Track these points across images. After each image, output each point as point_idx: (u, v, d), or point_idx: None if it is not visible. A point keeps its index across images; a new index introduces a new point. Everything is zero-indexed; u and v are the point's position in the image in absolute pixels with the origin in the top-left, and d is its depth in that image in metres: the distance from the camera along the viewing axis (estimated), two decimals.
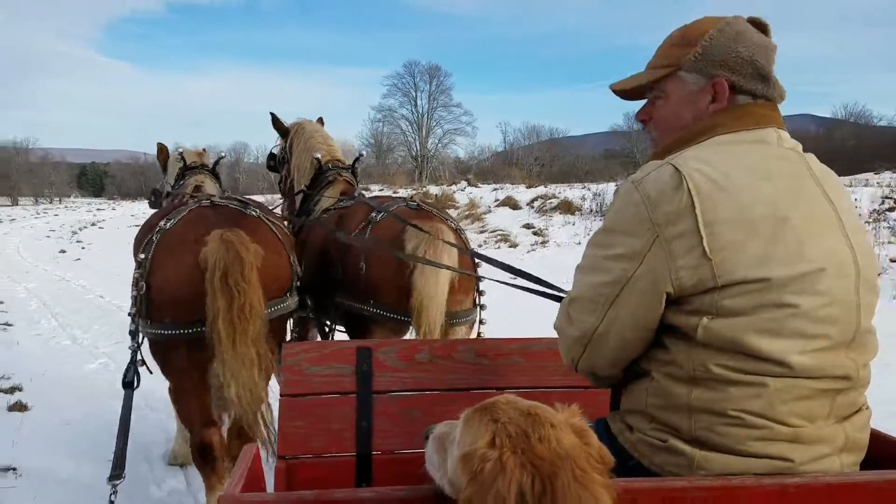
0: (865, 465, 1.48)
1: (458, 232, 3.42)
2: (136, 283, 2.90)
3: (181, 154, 4.34)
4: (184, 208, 3.09)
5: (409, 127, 56.57)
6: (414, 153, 55.31)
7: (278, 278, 3.04)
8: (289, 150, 4.39)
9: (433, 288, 3.05)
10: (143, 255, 2.90)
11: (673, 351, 1.42)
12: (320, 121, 4.62)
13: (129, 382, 2.81)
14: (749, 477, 1.33)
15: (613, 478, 1.11)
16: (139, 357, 2.96)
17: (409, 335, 3.30)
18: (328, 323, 3.75)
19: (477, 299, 3.39)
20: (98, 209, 42.54)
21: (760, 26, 1.55)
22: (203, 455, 2.84)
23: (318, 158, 4.19)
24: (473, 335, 3.42)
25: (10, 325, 7.89)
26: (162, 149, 4.65)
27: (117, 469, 2.12)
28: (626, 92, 1.69)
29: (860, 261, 1.42)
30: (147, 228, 3.14)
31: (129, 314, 2.99)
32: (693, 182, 1.35)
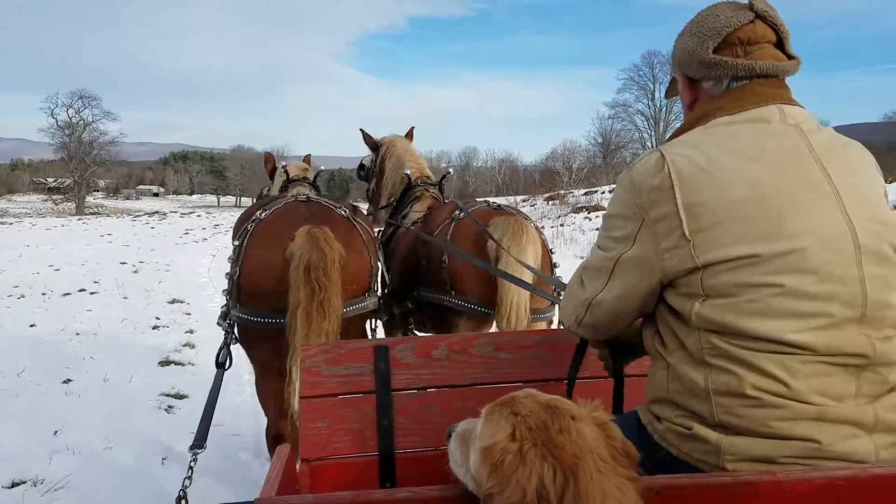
0: None
1: (538, 229, 3.49)
2: (230, 268, 3.11)
3: (285, 168, 4.52)
4: (279, 201, 3.27)
5: (645, 123, 53.23)
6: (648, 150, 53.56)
7: (358, 278, 3.13)
8: (380, 164, 4.61)
9: (516, 287, 3.10)
10: (237, 242, 3.12)
11: (681, 335, 1.46)
12: (410, 133, 4.82)
13: (222, 363, 2.96)
14: (791, 471, 1.28)
15: (640, 473, 1.11)
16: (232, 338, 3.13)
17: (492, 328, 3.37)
18: (411, 324, 3.84)
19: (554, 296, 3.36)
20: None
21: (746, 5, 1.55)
22: (276, 445, 2.82)
23: (407, 174, 4.38)
24: None
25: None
26: (269, 158, 4.92)
27: (199, 440, 2.27)
28: (667, 93, 1.85)
29: (861, 234, 1.37)
30: (245, 217, 3.35)
31: (225, 296, 3.19)
32: (675, 166, 1.41)
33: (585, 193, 24.85)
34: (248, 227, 3.12)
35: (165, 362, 6.40)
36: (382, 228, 4.45)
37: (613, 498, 1.02)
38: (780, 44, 1.56)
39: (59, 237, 21.74)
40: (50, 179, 69.05)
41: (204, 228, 27.18)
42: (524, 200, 28.52)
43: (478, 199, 3.99)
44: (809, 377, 1.33)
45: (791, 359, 1.33)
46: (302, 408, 1.95)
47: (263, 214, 3.14)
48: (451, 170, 5.10)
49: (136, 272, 13.40)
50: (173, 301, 9.91)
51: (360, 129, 4.73)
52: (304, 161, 4.97)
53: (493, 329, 3.35)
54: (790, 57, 1.56)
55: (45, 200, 63.46)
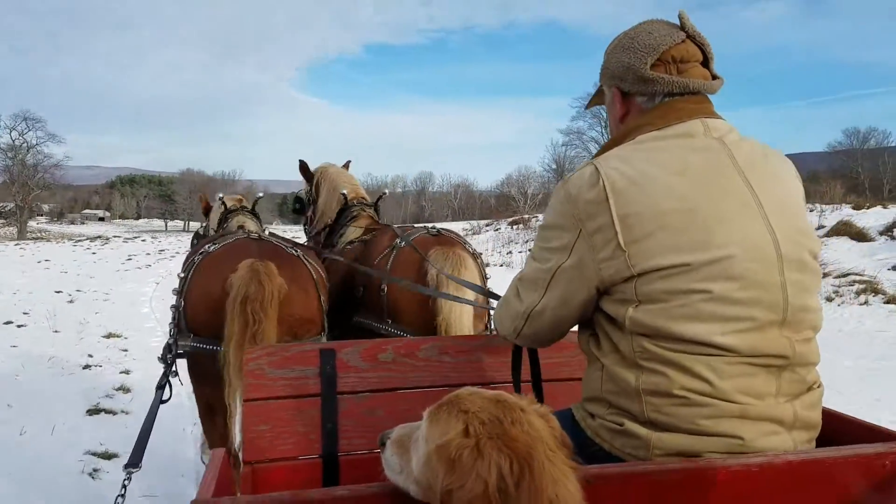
0: (821, 442, 1.53)
1: (475, 257, 3.51)
2: (175, 299, 3.15)
3: (222, 200, 4.63)
4: (231, 237, 3.31)
5: (597, 148, 54.56)
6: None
7: (302, 315, 3.10)
8: (315, 191, 4.60)
9: (458, 313, 3.16)
10: (183, 274, 3.17)
11: (615, 338, 1.51)
12: (346, 165, 4.86)
13: (161, 385, 2.91)
14: (712, 459, 1.37)
15: (577, 461, 1.14)
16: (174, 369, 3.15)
17: None
18: None
19: (489, 324, 3.41)
20: (296, 234, 43.58)
21: (680, 20, 1.61)
22: None
23: (343, 194, 4.38)
24: None
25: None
26: (202, 198, 5.26)
27: (135, 459, 2.20)
28: (589, 104, 1.94)
29: (782, 242, 1.45)
30: (194, 251, 3.40)
31: (169, 327, 3.21)
32: (609, 180, 1.45)
33: None
34: (196, 259, 3.16)
35: (94, 410, 5.58)
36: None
37: (562, 484, 1.06)
38: (706, 63, 1.62)
39: None
40: None
41: (148, 254, 26.11)
42: (487, 225, 28.17)
43: (416, 226, 3.90)
44: (734, 377, 1.40)
45: (717, 360, 1.40)
46: (245, 411, 1.91)
47: (212, 248, 3.17)
48: (386, 190, 5.04)
49: (71, 302, 12.41)
50: (109, 335, 9.02)
51: (300, 160, 4.66)
52: (239, 194, 5.11)
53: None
54: (714, 77, 1.63)
55: None
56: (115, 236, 38.23)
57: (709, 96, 1.62)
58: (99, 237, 37.56)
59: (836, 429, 1.61)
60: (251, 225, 4.45)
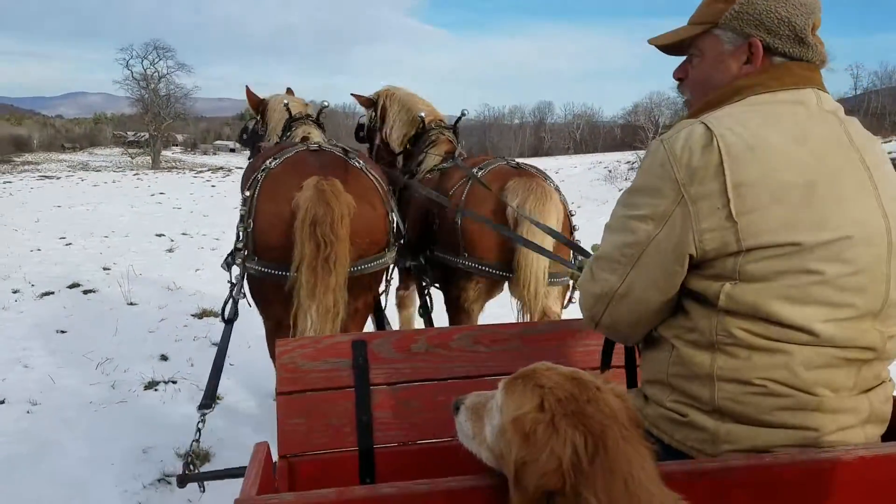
0: (887, 437, 1.46)
1: (558, 192, 3.34)
2: (242, 220, 3.00)
3: (287, 106, 4.14)
4: (290, 150, 3.13)
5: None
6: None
7: (372, 231, 2.99)
8: (381, 116, 4.30)
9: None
10: (247, 193, 3.00)
11: (695, 317, 1.39)
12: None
13: (230, 318, 2.92)
14: (781, 454, 1.30)
15: (652, 443, 1.11)
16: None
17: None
18: (427, 280, 3.66)
19: (575, 261, 3.17)
20: None
21: None
22: None
23: (421, 117, 4.12)
24: (566, 299, 3.42)
25: None
26: (249, 93, 4.52)
27: (207, 400, 2.26)
28: (667, 47, 1.61)
29: (894, 231, 1.36)
30: (254, 166, 3.20)
31: (234, 249, 3.07)
32: (724, 142, 1.30)
33: None
34: (258, 176, 2.98)
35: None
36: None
37: (637, 463, 1.04)
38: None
39: (102, 195, 18.29)
40: (130, 133, 68.32)
41: None
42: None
43: (494, 156, 3.63)
44: (819, 368, 1.32)
45: (808, 349, 1.31)
46: (279, 403, 1.86)
47: (273, 164, 3.00)
48: (466, 109, 4.50)
49: (170, 251, 9.68)
50: (202, 314, 6.01)
51: (352, 94, 4.46)
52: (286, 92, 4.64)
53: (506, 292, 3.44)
54: None
55: (124, 154, 62.44)
56: (237, 167, 36.44)
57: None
58: (221, 168, 35.79)
59: None
60: (315, 135, 3.95)
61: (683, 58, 1.59)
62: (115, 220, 12.91)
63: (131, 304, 6.40)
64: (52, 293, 6.80)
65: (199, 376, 4.30)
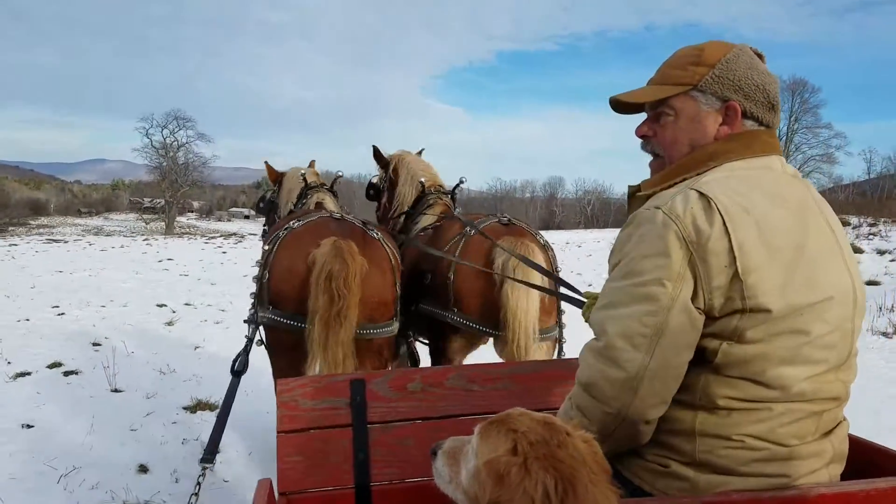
0: (851, 472, 1.50)
1: (546, 249, 3.43)
2: (259, 272, 3.17)
3: (303, 175, 4.46)
4: (314, 215, 3.33)
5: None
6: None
7: (380, 294, 3.09)
8: (390, 178, 4.44)
9: (525, 303, 3.10)
10: (267, 248, 3.19)
11: (686, 375, 1.39)
12: (420, 153, 4.67)
13: (239, 371, 2.95)
14: (748, 492, 1.35)
15: (618, 486, 1.12)
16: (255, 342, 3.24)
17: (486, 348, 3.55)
18: (410, 333, 3.68)
19: (559, 318, 3.38)
20: None
21: (759, 56, 1.55)
22: None
23: (422, 182, 4.27)
24: (555, 355, 3.43)
25: None
26: (268, 167, 4.80)
27: (210, 453, 2.21)
28: (629, 105, 1.64)
29: (857, 288, 1.44)
30: (278, 226, 3.40)
31: (251, 303, 3.24)
32: (722, 205, 1.34)
33: None
34: (280, 234, 3.16)
35: None
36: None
37: None
38: None
39: (107, 261, 17.56)
40: (146, 199, 68.65)
41: None
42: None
43: (487, 214, 3.77)
44: (790, 423, 1.36)
45: (785, 406, 1.35)
46: (279, 441, 1.88)
47: (296, 224, 3.18)
48: (464, 178, 4.57)
49: (169, 324, 8.75)
50: (196, 407, 5.07)
51: (374, 146, 4.53)
52: (309, 165, 4.89)
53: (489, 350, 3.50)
54: None
55: (138, 219, 62.40)
56: (250, 234, 35.80)
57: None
58: (234, 234, 35.24)
59: (868, 459, 1.59)
60: (330, 203, 4.27)
61: (637, 115, 1.63)
62: (115, 288, 12.08)
63: (115, 390, 5.47)
64: (29, 374, 5.90)
65: (183, 497, 3.35)
